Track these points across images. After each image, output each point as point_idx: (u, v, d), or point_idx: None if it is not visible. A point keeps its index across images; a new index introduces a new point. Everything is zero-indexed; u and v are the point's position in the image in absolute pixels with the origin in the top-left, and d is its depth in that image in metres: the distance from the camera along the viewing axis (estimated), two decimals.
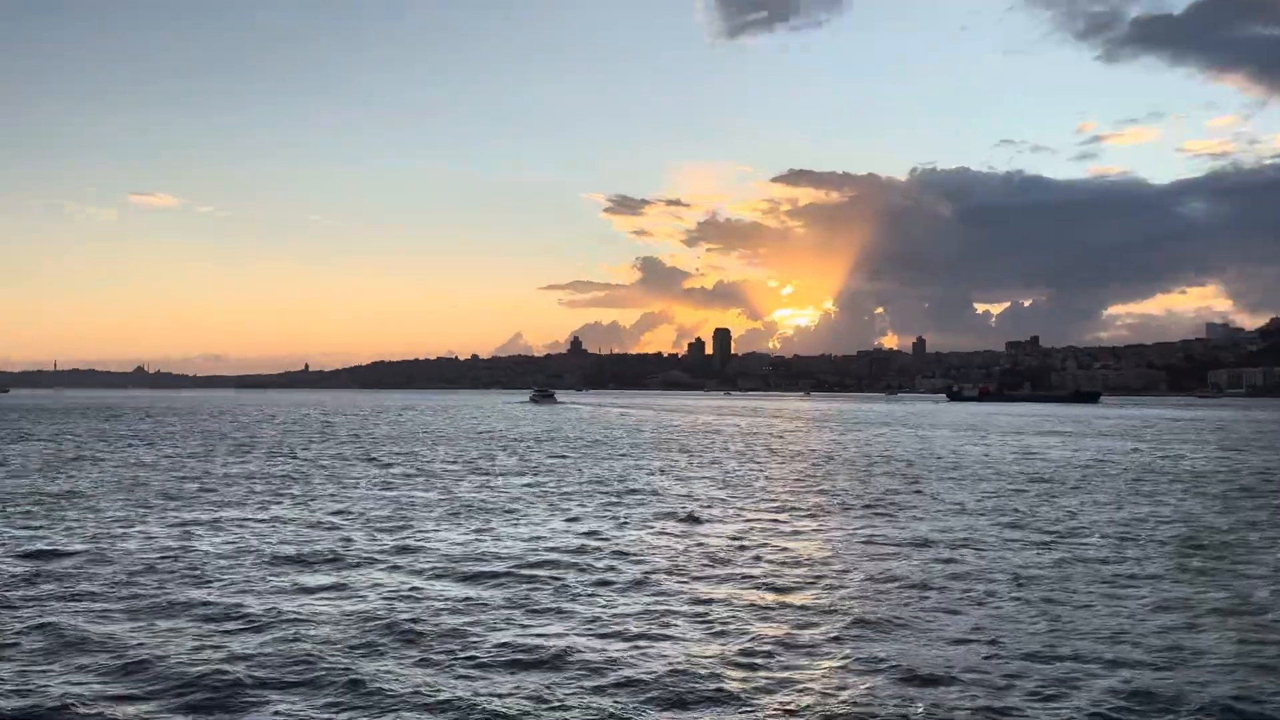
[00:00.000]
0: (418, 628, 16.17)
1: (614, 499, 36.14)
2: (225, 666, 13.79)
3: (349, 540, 25.59)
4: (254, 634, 15.77)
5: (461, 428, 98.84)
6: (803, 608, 17.82)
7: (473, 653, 14.66)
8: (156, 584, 19.70)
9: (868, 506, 33.70)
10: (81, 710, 11.98)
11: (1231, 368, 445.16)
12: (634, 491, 38.87)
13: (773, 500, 36.01)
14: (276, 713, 12.07)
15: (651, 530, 27.98)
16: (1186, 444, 74.26)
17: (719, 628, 16.32)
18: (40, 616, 16.82)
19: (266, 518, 30.18)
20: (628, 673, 13.65)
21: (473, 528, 28.19)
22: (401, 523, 29.06)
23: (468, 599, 18.56)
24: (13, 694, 12.62)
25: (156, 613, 17.20)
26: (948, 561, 22.63)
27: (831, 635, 15.78)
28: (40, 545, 24.62)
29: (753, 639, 15.53)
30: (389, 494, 37.50)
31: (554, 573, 21.16)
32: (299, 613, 17.24)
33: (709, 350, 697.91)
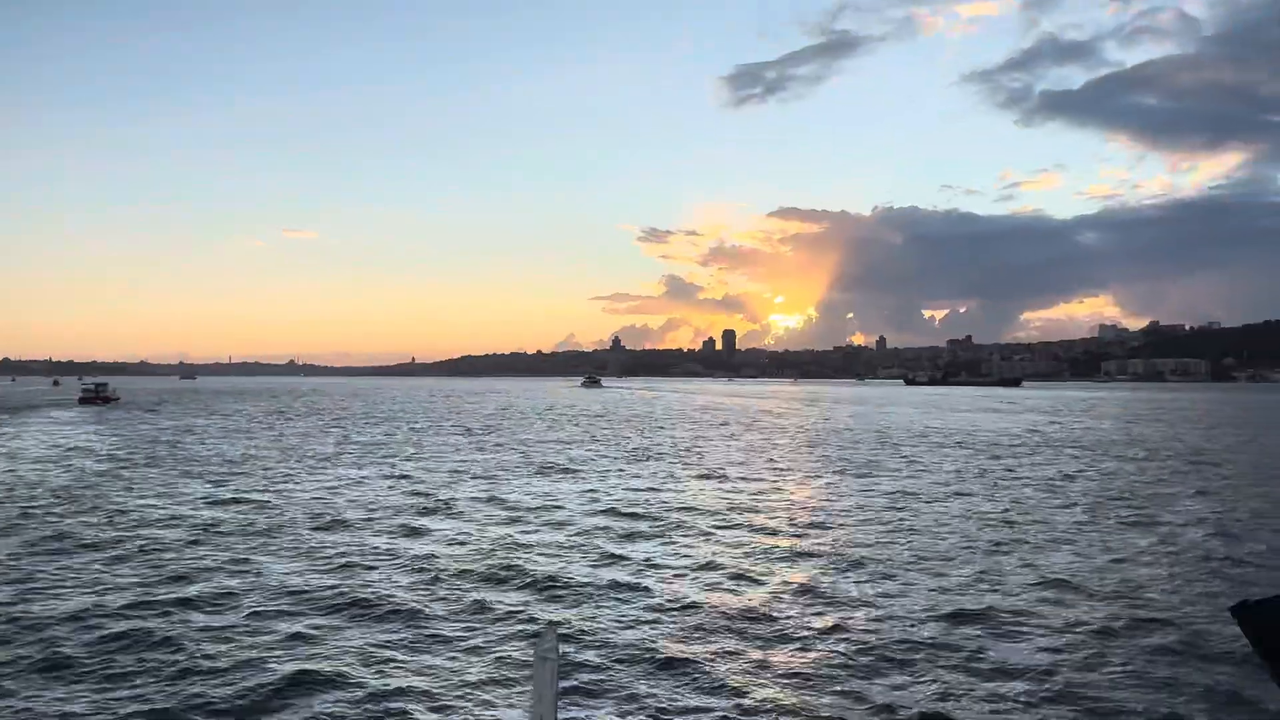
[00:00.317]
0: (510, 561, 15.92)
1: (656, 459, 35.67)
2: (370, 591, 13.63)
3: (456, 493, 25.40)
4: (391, 566, 15.60)
5: (533, 405, 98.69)
6: (817, 550, 17.39)
7: (556, 584, 14.41)
8: (311, 526, 19.60)
9: (858, 466, 33.14)
10: (263, 616, 11.84)
11: (1119, 359, 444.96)
12: (669, 454, 38.41)
13: (783, 461, 35.50)
14: (412, 624, 11.88)
15: (690, 485, 27.61)
16: (1091, 418, 73.11)
17: (750, 564, 15.94)
18: (228, 551, 16.77)
19: (393, 474, 30.01)
20: (681, 599, 13.35)
21: (550, 483, 27.94)
22: (496, 479, 28.85)
23: (554, 541, 18.29)
24: (211, 610, 12.49)
25: (310, 551, 17.05)
26: (930, 504, 22.04)
27: (844, 567, 15.37)
28: (225, 494, 24.70)
29: (785, 569, 15.21)
30: (485, 456, 37.27)
31: (618, 521, 20.86)
32: (418, 549, 17.03)
33: (719, 346, 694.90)
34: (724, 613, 12.50)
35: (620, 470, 31.95)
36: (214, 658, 10.39)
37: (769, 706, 9.06)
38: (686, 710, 8.99)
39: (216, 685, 9.56)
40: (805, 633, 11.57)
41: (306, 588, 13.90)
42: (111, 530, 19.04)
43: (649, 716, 8.85)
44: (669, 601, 13.16)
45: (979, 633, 11.52)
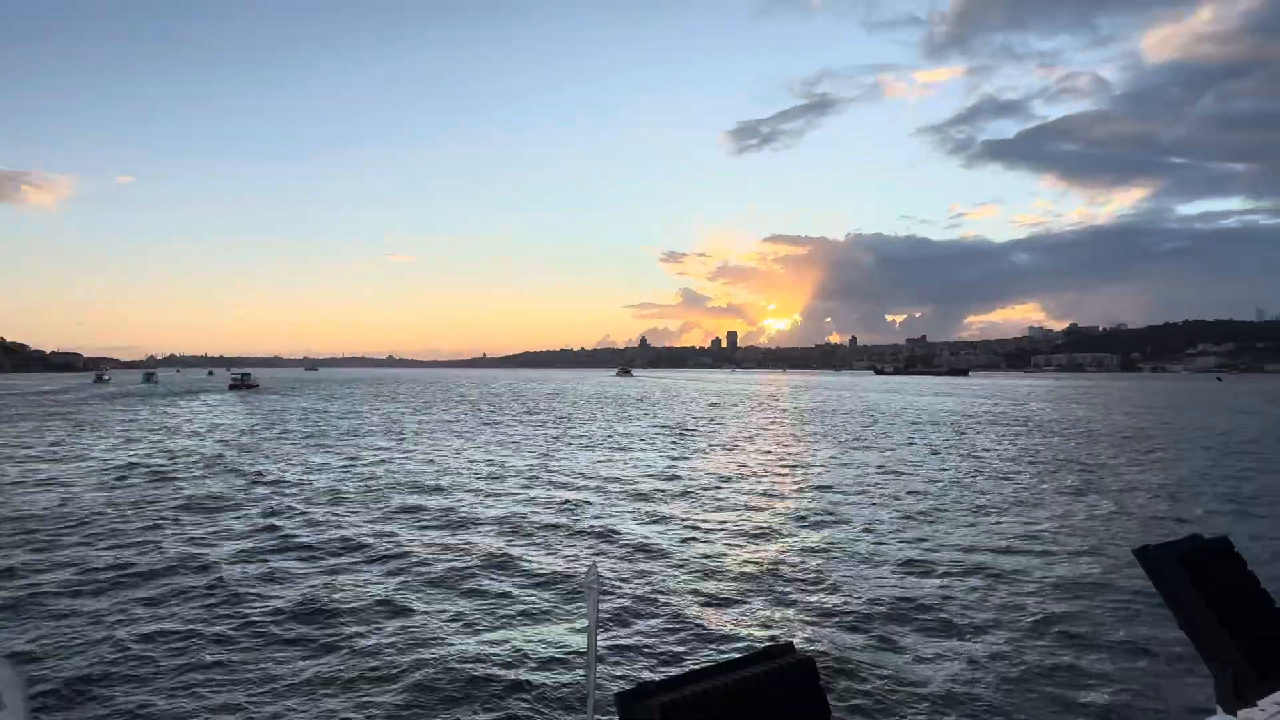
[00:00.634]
0: (555, 520, 15.36)
1: (682, 433, 34.97)
2: (461, 539, 13.11)
3: (515, 464, 24.92)
4: (475, 520, 15.09)
5: (582, 392, 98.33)
6: (821, 508, 16.64)
7: (607, 533, 13.80)
8: (409, 489, 19.17)
9: (849, 440, 32.24)
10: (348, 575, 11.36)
11: (1045, 354, 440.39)
12: (693, 430, 37.69)
13: (785, 436, 34.68)
14: (493, 566, 11.32)
15: (710, 456, 26.91)
16: (1036, 401, 71.25)
17: (764, 520, 15.22)
18: (344, 506, 16.37)
19: (468, 446, 29.62)
20: (706, 552, 12.68)
21: (599, 456, 27.37)
22: (548, 452, 28.33)
23: (595, 503, 17.70)
24: (328, 575, 12.03)
25: (405, 512, 16.60)
26: (913, 471, 21.21)
27: (844, 519, 14.65)
28: (340, 460, 24.35)
29: (792, 527, 14.48)
30: (542, 431, 36.83)
31: (654, 486, 20.22)
32: (497, 509, 16.52)
33: (724, 344, 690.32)
34: (751, 561, 11.83)
35: (668, 443, 31.28)
36: (340, 591, 9.90)
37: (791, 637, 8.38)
38: (704, 629, 8.34)
39: (346, 621, 9.06)
40: (815, 574, 10.87)
41: (407, 533, 13.43)
42: (248, 489, 18.73)
43: (678, 638, 8.22)
44: (699, 549, 12.51)
45: (944, 581, 10.75)
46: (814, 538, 13.47)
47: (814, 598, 10.02)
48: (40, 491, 18.24)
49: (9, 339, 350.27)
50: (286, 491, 18.37)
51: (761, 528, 14.34)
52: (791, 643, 1.47)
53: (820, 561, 11.81)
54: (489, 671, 7.53)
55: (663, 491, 18.61)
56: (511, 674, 7.47)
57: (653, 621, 9.02)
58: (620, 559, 12.02)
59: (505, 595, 10.10)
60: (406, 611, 9.39)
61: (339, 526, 14.38)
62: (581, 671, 7.31)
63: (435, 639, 8.47)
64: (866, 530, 14.02)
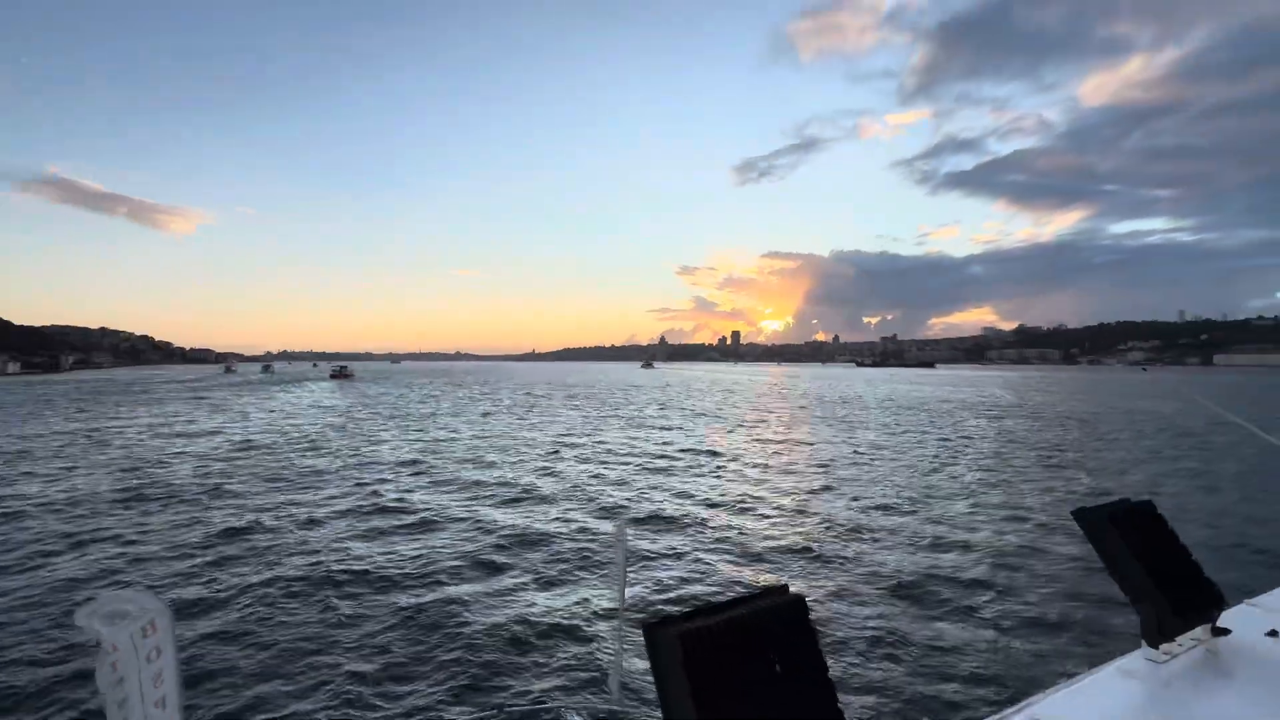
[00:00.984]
0: (590, 490, 15.03)
1: (699, 417, 34.53)
2: (516, 511, 12.85)
3: (560, 444, 24.68)
4: (525, 489, 14.83)
5: (614, 381, 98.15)
6: (824, 485, 16.14)
7: (633, 509, 13.45)
8: (472, 465, 19.00)
9: (841, 422, 31.56)
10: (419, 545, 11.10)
11: (998, 349, 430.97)
12: (708, 414, 37.17)
13: (789, 420, 34.06)
14: (535, 522, 11.04)
15: (723, 437, 26.45)
16: (997, 387, 69.54)
17: (776, 497, 14.78)
18: (412, 491, 16.23)
19: (523, 427, 29.45)
20: (727, 525, 12.27)
21: (629, 435, 27.05)
22: (591, 431, 28.06)
23: (626, 478, 17.35)
24: (409, 554, 11.83)
25: (468, 486, 16.39)
26: (900, 452, 20.61)
27: (851, 494, 14.12)
28: (425, 438, 24.29)
29: (801, 501, 14.01)
30: (583, 414, 36.61)
31: (675, 462, 19.83)
32: (540, 483, 16.24)
33: (729, 342, 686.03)
34: (765, 537, 11.41)
35: (691, 425, 30.88)
36: (426, 559, 9.68)
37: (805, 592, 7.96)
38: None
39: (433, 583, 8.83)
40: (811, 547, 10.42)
41: (474, 500, 13.20)
42: (346, 460, 18.69)
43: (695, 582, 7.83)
44: (712, 520, 12.12)
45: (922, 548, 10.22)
46: (819, 505, 12.99)
47: (812, 554, 9.58)
48: (178, 463, 18.38)
49: (157, 338, 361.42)
50: (378, 462, 18.30)
51: (780, 493, 13.89)
52: (786, 584, 1.43)
53: (822, 524, 11.35)
54: (542, 617, 7.26)
55: (691, 466, 18.22)
56: (556, 618, 7.24)
57: (674, 571, 8.68)
58: (645, 518, 11.67)
59: (559, 555, 9.81)
60: (489, 566, 9.17)
61: (419, 490, 14.21)
62: (613, 617, 6.99)
63: (507, 591, 8.20)
64: (855, 500, 13.50)
